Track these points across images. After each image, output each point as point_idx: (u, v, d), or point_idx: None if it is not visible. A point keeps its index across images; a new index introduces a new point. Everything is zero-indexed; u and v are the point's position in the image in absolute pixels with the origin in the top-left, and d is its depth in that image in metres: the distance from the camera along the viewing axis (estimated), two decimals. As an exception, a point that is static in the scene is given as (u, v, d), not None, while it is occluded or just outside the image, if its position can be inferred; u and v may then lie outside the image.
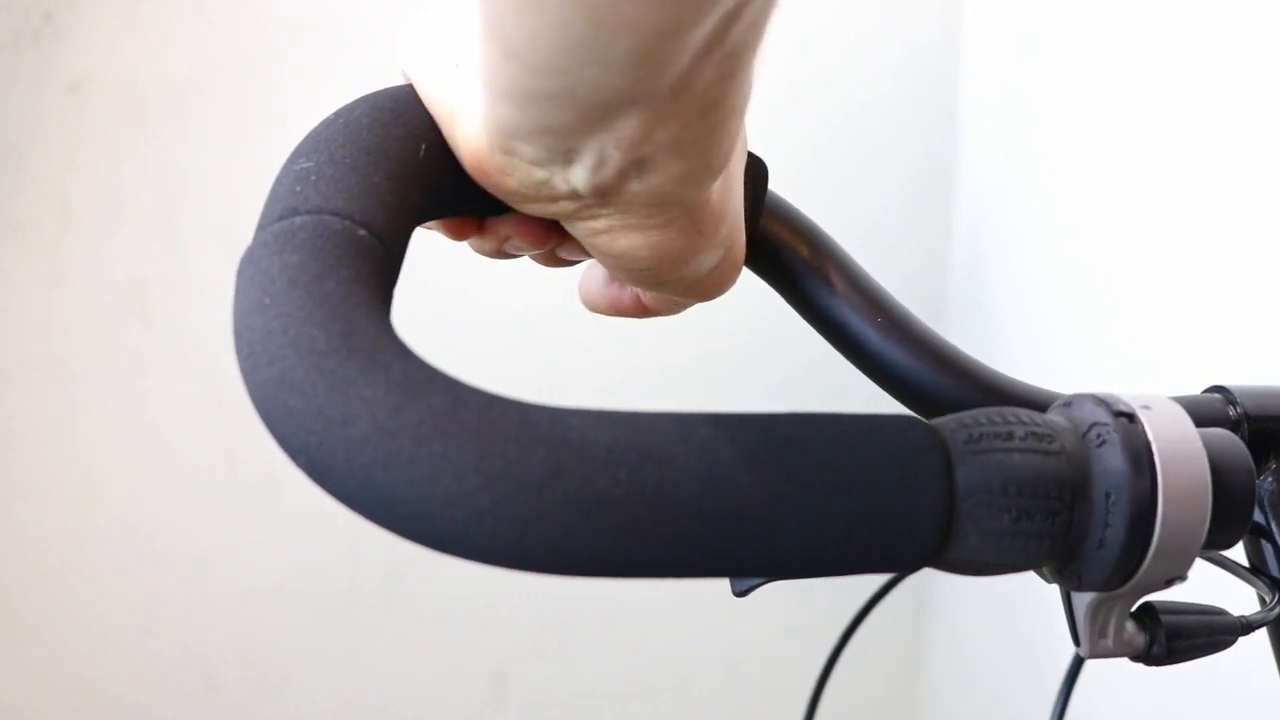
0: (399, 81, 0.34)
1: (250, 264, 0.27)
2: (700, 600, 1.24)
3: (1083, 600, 0.32)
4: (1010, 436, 0.28)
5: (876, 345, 0.40)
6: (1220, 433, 0.31)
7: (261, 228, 0.29)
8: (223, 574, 1.13)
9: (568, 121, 0.28)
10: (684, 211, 0.32)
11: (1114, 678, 0.79)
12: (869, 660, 1.26)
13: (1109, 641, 0.32)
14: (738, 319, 1.11)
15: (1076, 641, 0.33)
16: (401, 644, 1.19)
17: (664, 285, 0.36)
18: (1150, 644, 0.33)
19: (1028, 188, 1.14)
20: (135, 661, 1.11)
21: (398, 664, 1.20)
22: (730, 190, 0.34)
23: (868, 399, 0.40)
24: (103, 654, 1.10)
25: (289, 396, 0.24)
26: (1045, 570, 0.31)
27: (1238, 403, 0.40)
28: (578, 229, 0.33)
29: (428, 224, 0.36)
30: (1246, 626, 0.35)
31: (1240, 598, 0.39)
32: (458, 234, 0.37)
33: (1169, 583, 0.30)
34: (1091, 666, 0.37)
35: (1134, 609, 0.33)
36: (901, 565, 0.28)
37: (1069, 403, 0.30)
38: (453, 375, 0.25)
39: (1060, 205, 1.07)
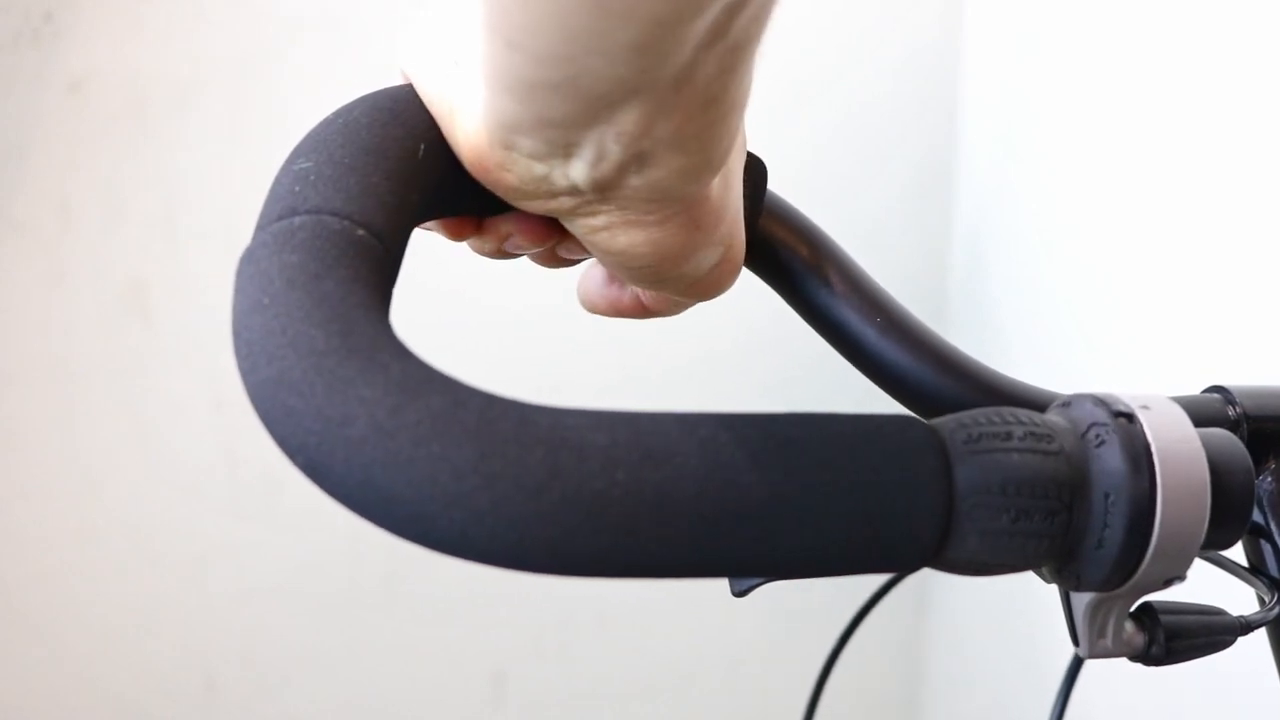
0: (398, 81, 0.34)
1: (249, 264, 0.27)
2: (700, 600, 1.24)
3: (1082, 600, 0.32)
4: (1009, 437, 0.28)
5: (876, 345, 0.40)
6: (1219, 433, 0.31)
7: (260, 228, 0.29)
8: (223, 574, 1.13)
9: (569, 113, 0.28)
10: (684, 207, 0.32)
11: (1113, 678, 0.79)
12: (869, 660, 1.27)
13: (1108, 641, 0.33)
14: (738, 319, 1.11)
15: (1075, 642, 0.33)
16: (401, 644, 1.19)
17: (664, 284, 0.36)
18: (1149, 644, 0.33)
19: (1028, 188, 1.14)
20: (135, 661, 1.11)
21: (398, 664, 1.20)
22: (730, 187, 0.34)
23: (867, 399, 0.40)
24: (103, 654, 1.10)
25: (288, 396, 0.24)
26: (1044, 570, 0.31)
27: (1237, 403, 0.40)
28: (577, 226, 0.33)
29: (427, 225, 0.36)
30: (1245, 626, 0.35)
31: (1239, 598, 0.39)
32: (457, 234, 0.37)
33: (1168, 583, 0.30)
34: (1091, 666, 0.37)
35: (1133, 609, 0.33)
36: (901, 565, 0.28)
37: (1068, 403, 0.30)
38: (451, 375, 0.25)
39: (1060, 205, 1.07)
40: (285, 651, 1.16)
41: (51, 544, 1.07)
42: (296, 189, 0.29)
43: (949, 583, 1.24)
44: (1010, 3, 1.16)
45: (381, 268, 0.28)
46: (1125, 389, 0.31)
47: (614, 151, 0.29)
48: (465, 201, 0.34)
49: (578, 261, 0.39)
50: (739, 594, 0.31)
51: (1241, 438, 0.37)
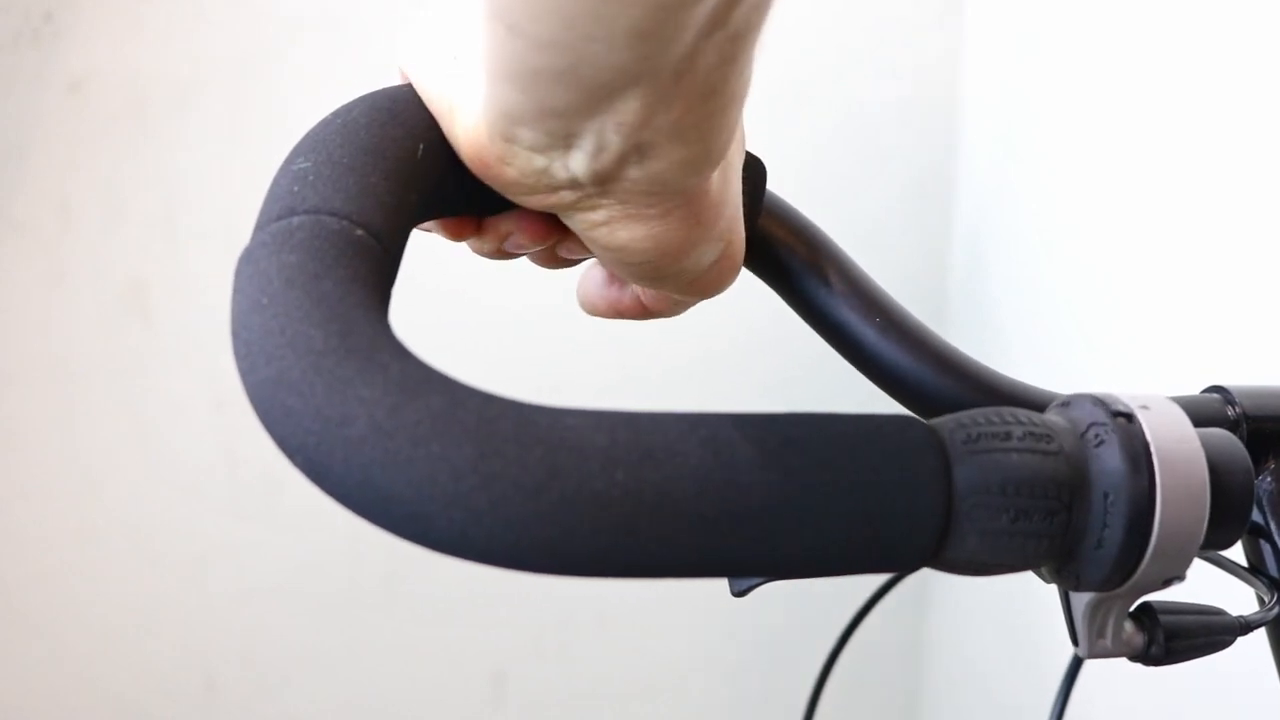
0: (397, 81, 0.35)
1: (248, 264, 0.27)
2: (700, 600, 1.24)
3: (1081, 600, 0.32)
4: (1008, 436, 0.28)
5: (875, 345, 0.40)
6: (1218, 433, 0.31)
7: (259, 228, 0.29)
8: (223, 574, 1.13)
9: (570, 102, 0.28)
10: (684, 201, 0.32)
11: (1113, 678, 0.79)
12: (869, 660, 1.26)
13: (1107, 641, 0.33)
14: (737, 319, 1.11)
15: (1075, 642, 0.33)
16: (401, 644, 1.19)
17: (663, 280, 0.36)
18: (1149, 644, 0.33)
19: (1028, 188, 1.14)
20: (135, 661, 1.11)
21: (398, 664, 1.20)
22: (729, 181, 0.34)
23: (866, 399, 0.40)
24: (103, 654, 1.10)
25: (287, 396, 0.24)
26: (1044, 570, 0.31)
27: (1236, 403, 0.40)
28: (577, 221, 0.33)
29: (426, 226, 0.36)
30: (1245, 626, 0.35)
31: (1239, 598, 0.39)
32: (456, 234, 0.37)
33: (1167, 583, 0.30)
34: (1091, 666, 0.37)
35: (1132, 609, 0.33)
36: (900, 565, 0.28)
37: (1067, 403, 0.30)
38: (451, 375, 0.25)
39: (1060, 205, 1.07)
40: (285, 651, 1.16)
41: (51, 544, 1.07)
42: (295, 189, 0.29)
43: (949, 582, 1.24)
44: (1010, 3, 1.16)
45: (380, 268, 0.28)
46: (1125, 389, 0.31)
47: (614, 142, 0.29)
48: (464, 201, 0.34)
49: (578, 261, 0.39)
50: (739, 594, 0.31)
51: (1241, 438, 0.37)
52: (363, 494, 0.24)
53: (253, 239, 0.28)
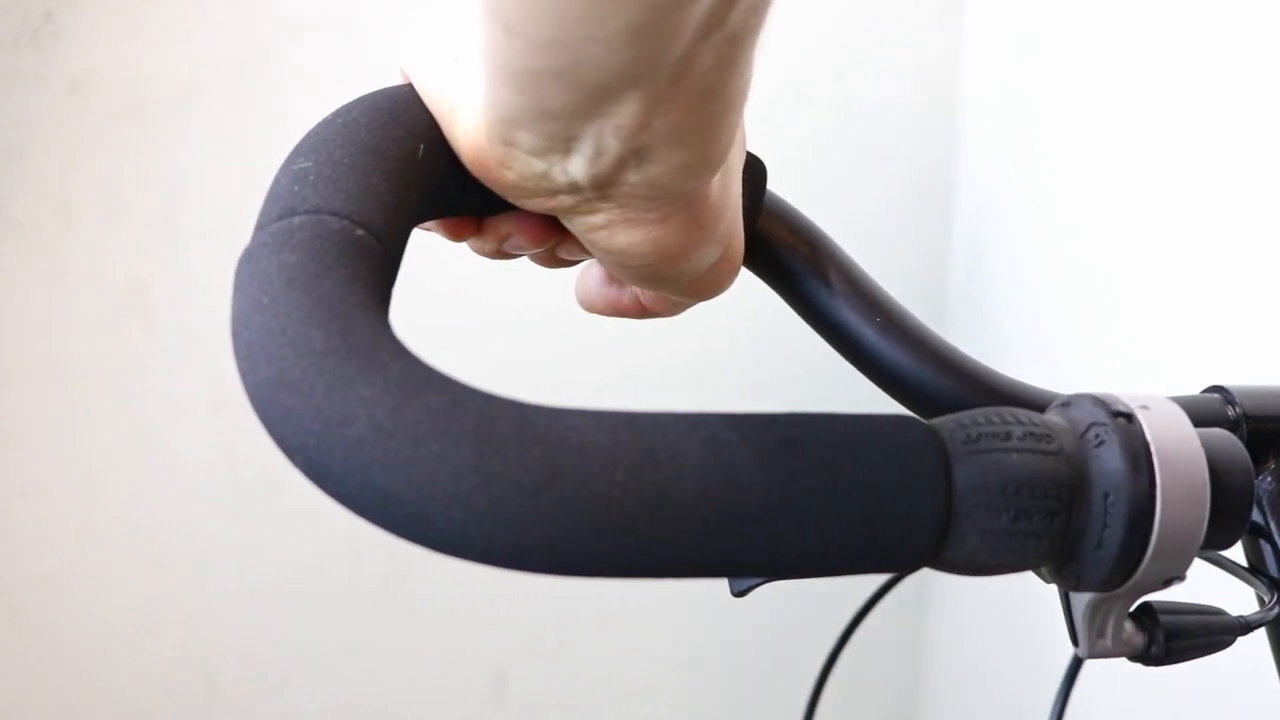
0: (398, 81, 0.35)
1: (248, 264, 0.27)
2: (700, 600, 1.24)
3: (1081, 600, 0.32)
4: (1008, 437, 0.28)
5: (875, 345, 0.40)
6: (1219, 433, 0.31)
7: (260, 227, 0.29)
8: (223, 574, 1.13)
9: (568, 104, 0.27)
10: (683, 205, 0.32)
11: (1113, 678, 0.79)
12: (869, 660, 1.27)
13: (1108, 642, 0.32)
14: (737, 319, 1.11)
15: (1075, 642, 0.33)
16: (401, 644, 1.19)
17: (663, 283, 0.36)
18: (1149, 644, 0.33)
19: (1028, 188, 1.14)
20: (135, 661, 1.11)
21: (398, 664, 1.20)
22: (729, 185, 0.34)
23: (866, 399, 0.40)
24: (103, 654, 1.10)
25: (287, 396, 0.24)
26: (1044, 570, 0.31)
27: (1236, 403, 0.40)
28: (576, 224, 0.33)
29: (426, 225, 0.36)
30: (1245, 626, 0.35)
31: (1239, 598, 0.39)
32: (456, 234, 0.37)
33: (1167, 583, 0.30)
34: (1091, 666, 0.37)
35: (1133, 609, 0.33)
36: (900, 565, 0.28)
37: (1067, 403, 0.30)
38: (451, 375, 0.25)
39: (1060, 205, 1.07)
40: (285, 651, 1.16)
41: (51, 544, 1.07)
42: (296, 189, 0.29)
43: (949, 582, 1.24)
44: (1010, 3, 1.16)
45: (381, 268, 0.28)
46: (1125, 389, 0.31)
47: (613, 146, 0.29)
48: (465, 201, 0.34)
49: (577, 262, 0.39)
50: (739, 594, 0.31)
51: (1241, 438, 0.37)
52: (363, 494, 0.24)
53: (253, 239, 0.28)
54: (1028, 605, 1.10)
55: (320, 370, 0.24)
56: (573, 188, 0.31)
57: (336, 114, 0.32)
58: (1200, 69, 0.86)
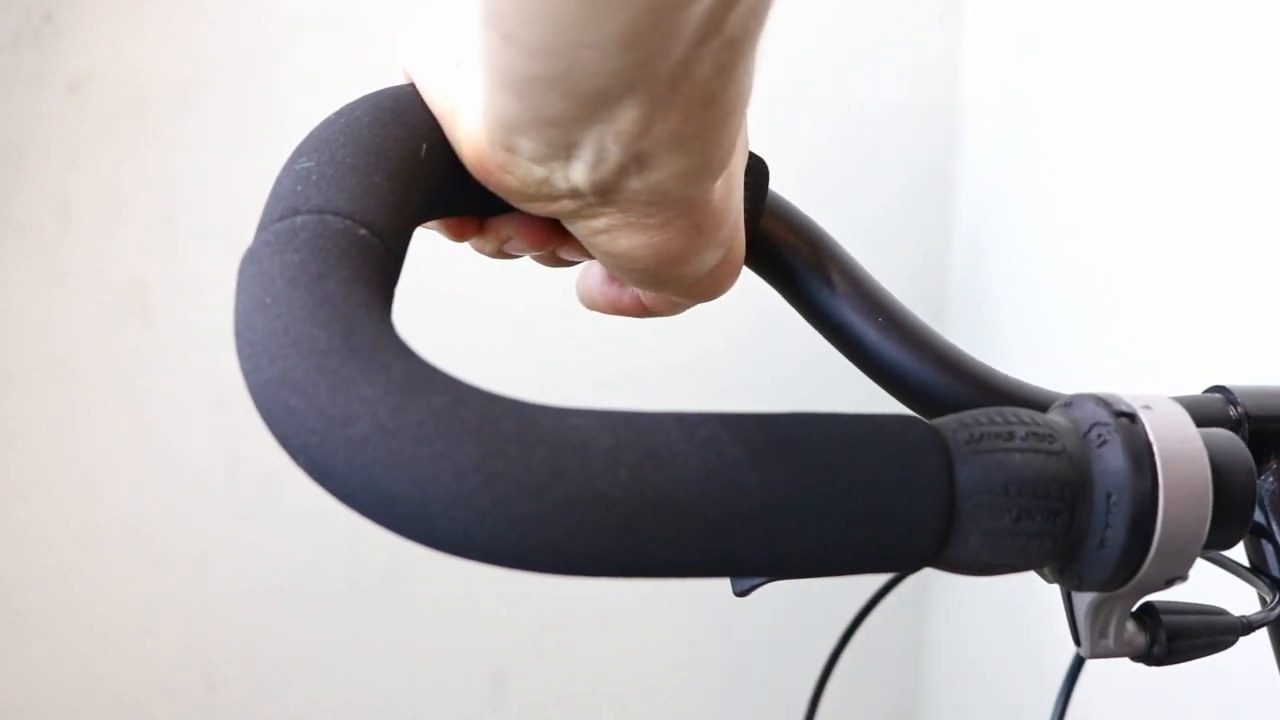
0: (400, 81, 0.34)
1: (251, 264, 0.27)
2: (700, 600, 1.24)
3: (1083, 600, 0.32)
4: (1011, 436, 0.28)
5: (877, 345, 0.40)
6: (1221, 433, 0.31)
7: (262, 227, 0.29)
8: (223, 574, 1.13)
9: (566, 110, 0.27)
10: (685, 211, 0.32)
11: (1115, 678, 0.79)
12: (869, 660, 1.27)
13: (1110, 641, 0.32)
14: (738, 319, 1.11)
15: (1077, 641, 0.33)
16: (401, 644, 1.19)
17: (664, 285, 0.36)
18: (1151, 644, 0.33)
19: (1028, 188, 1.14)
20: (135, 661, 1.11)
21: (398, 664, 1.20)
22: (731, 190, 0.34)
23: (868, 398, 0.40)
24: (103, 654, 1.10)
25: (290, 396, 0.24)
26: (1046, 570, 0.31)
27: (1238, 403, 0.40)
28: (578, 228, 0.33)
29: (428, 224, 0.36)
30: (1247, 626, 0.35)
31: (1240, 598, 0.39)
32: (458, 234, 0.37)
33: (1170, 583, 0.30)
34: (1092, 666, 0.37)
35: (1135, 609, 0.33)
36: (902, 565, 0.28)
37: (1070, 403, 0.30)
38: (453, 375, 0.25)
39: (1060, 205, 1.07)
40: (285, 651, 1.16)
41: (51, 544, 1.07)
42: (298, 189, 0.29)
43: (949, 582, 1.24)
44: (1010, 3, 1.16)
45: (383, 267, 0.28)
46: (1126, 389, 0.31)
47: (613, 153, 0.29)
48: (467, 202, 0.34)
49: (579, 262, 0.39)
50: (740, 594, 0.31)
51: (1243, 438, 0.37)
52: (366, 493, 0.24)
53: (256, 238, 0.28)
54: (1028, 605, 1.10)
55: (323, 370, 0.24)
56: (574, 193, 0.31)
57: (339, 114, 0.32)
58: (1200, 69, 0.86)
